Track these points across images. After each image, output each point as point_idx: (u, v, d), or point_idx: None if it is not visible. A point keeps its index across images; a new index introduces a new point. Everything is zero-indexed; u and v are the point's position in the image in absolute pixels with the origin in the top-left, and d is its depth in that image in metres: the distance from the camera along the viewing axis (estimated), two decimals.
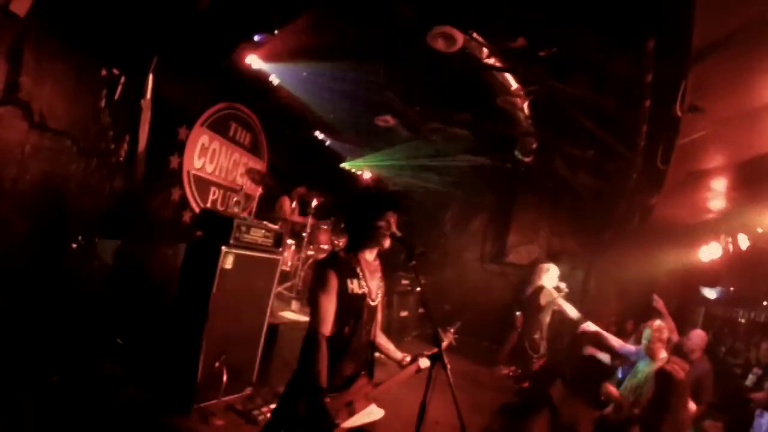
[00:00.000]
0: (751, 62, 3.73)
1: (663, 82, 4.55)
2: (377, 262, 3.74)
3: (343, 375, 3.45)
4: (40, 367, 4.90)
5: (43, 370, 4.89)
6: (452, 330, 3.89)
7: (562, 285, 8.77)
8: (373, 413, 3.56)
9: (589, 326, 6.79)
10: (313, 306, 3.37)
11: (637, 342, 6.46)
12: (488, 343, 11.80)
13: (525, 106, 7.02)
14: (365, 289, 3.53)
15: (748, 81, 3.95)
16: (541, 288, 8.87)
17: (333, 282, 3.37)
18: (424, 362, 3.72)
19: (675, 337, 6.41)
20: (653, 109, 5.08)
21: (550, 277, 8.98)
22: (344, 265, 3.49)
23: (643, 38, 4.04)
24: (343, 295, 3.40)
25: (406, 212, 3.55)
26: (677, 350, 6.15)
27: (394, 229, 3.56)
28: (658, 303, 6.67)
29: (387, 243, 3.56)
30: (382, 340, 3.84)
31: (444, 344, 3.68)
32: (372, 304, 3.60)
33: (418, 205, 13.35)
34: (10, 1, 4.38)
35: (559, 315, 8.79)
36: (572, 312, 8.54)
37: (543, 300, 8.76)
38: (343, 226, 3.91)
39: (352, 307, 3.46)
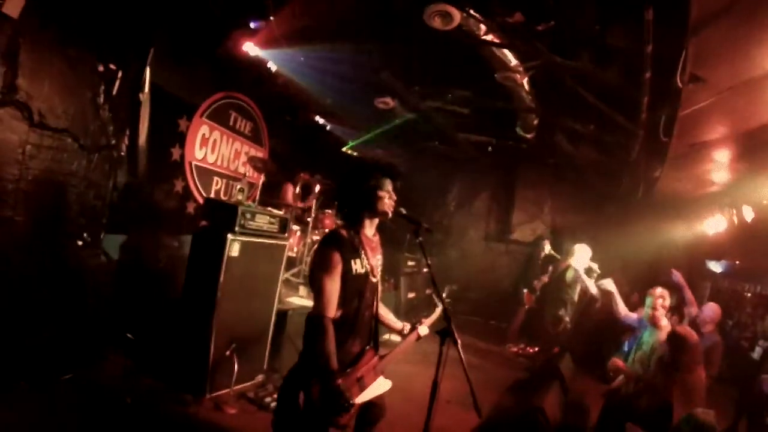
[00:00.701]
0: (752, 30, 3.69)
1: (663, 52, 4.53)
2: (377, 238, 3.73)
3: (351, 353, 3.48)
4: (51, 364, 4.95)
5: (54, 368, 4.94)
6: (444, 295, 3.80)
7: (594, 266, 8.74)
8: (382, 385, 3.65)
9: (606, 284, 6.74)
10: (316, 289, 3.33)
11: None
12: (496, 321, 11.87)
13: (525, 81, 6.98)
14: (368, 268, 3.51)
15: (748, 50, 3.91)
16: (568, 266, 8.84)
17: (337, 264, 3.32)
18: (423, 330, 3.94)
19: (694, 311, 6.37)
20: (654, 80, 5.05)
21: (580, 257, 8.92)
22: (347, 244, 3.42)
23: (642, 8, 4.01)
24: (347, 275, 3.36)
25: (401, 179, 3.58)
26: (693, 323, 6.13)
27: (393, 197, 3.53)
28: (677, 276, 6.59)
29: (389, 212, 3.53)
30: (382, 310, 3.86)
31: (438, 311, 3.89)
32: (374, 281, 3.60)
33: (421, 186, 13.32)
34: (3, 3, 4.35)
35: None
36: (593, 288, 8.56)
37: (569, 277, 8.74)
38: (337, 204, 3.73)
39: (355, 287, 3.43)
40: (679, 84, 4.49)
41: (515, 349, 10.17)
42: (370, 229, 3.62)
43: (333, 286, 3.30)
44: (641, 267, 9.61)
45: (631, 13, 4.44)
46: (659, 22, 4.13)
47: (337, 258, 3.31)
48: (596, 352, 8.73)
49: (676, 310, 6.59)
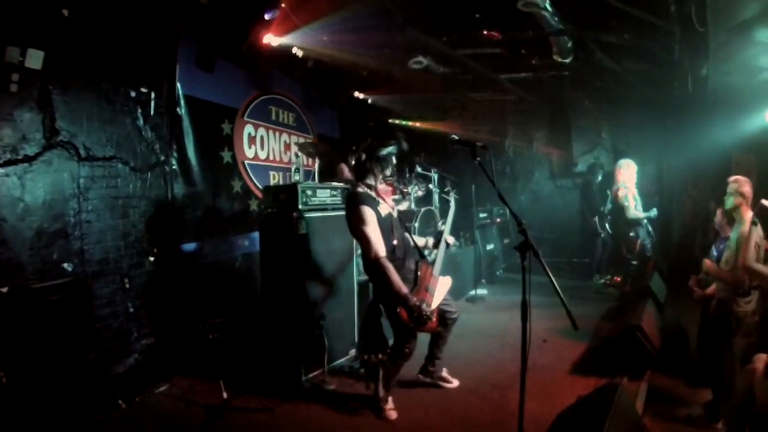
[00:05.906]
0: None
1: None
2: (384, 185, 4.68)
3: (411, 270, 4.46)
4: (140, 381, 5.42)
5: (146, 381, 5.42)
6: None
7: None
8: (444, 283, 4.63)
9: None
10: (364, 239, 4.22)
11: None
12: (577, 258, 11.66)
13: (547, 3, 6.75)
14: (389, 208, 4.52)
15: None
16: (617, 187, 8.56)
17: (371, 215, 4.21)
18: (449, 237, 4.92)
19: None
20: None
21: (626, 173, 8.61)
22: (369, 198, 4.34)
23: None
24: (379, 219, 4.27)
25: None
26: None
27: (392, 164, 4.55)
28: None
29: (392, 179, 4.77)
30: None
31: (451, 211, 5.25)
32: (395, 215, 4.59)
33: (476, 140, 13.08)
34: (24, 60, 4.59)
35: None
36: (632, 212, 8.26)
37: (623, 197, 8.41)
38: (353, 162, 4.64)
39: (387, 225, 4.38)
40: None
41: (603, 281, 10.00)
42: (380, 183, 4.56)
43: (375, 233, 4.19)
44: (713, 173, 9.15)
45: None
46: None
47: (369, 211, 4.21)
48: (685, 265, 8.41)
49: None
